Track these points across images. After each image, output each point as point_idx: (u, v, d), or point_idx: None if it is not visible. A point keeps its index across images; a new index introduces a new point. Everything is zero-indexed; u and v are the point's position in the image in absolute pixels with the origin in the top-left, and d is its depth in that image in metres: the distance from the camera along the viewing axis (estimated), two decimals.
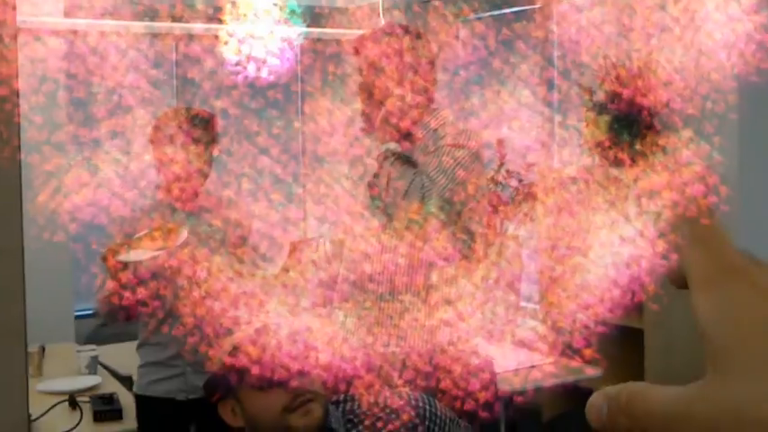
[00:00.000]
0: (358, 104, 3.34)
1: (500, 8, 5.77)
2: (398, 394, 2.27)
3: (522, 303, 4.99)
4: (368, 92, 3.26)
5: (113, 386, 3.93)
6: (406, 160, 3.16)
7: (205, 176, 3.54)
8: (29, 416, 2.86)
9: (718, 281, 0.49)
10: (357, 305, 3.25)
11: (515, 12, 5.70)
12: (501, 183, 5.00)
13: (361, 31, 4.01)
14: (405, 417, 2.19)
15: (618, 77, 4.40)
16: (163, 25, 5.81)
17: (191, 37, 6.04)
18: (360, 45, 3.30)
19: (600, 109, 4.49)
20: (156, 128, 3.48)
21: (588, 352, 4.12)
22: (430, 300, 3.15)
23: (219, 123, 3.67)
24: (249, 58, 3.55)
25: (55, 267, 5.21)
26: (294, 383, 2.07)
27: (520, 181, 4.98)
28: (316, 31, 6.26)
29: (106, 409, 3.52)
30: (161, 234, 3.26)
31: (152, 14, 5.84)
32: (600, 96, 4.52)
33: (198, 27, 5.84)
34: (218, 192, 3.73)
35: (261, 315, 2.29)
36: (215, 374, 2.21)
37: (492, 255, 4.72)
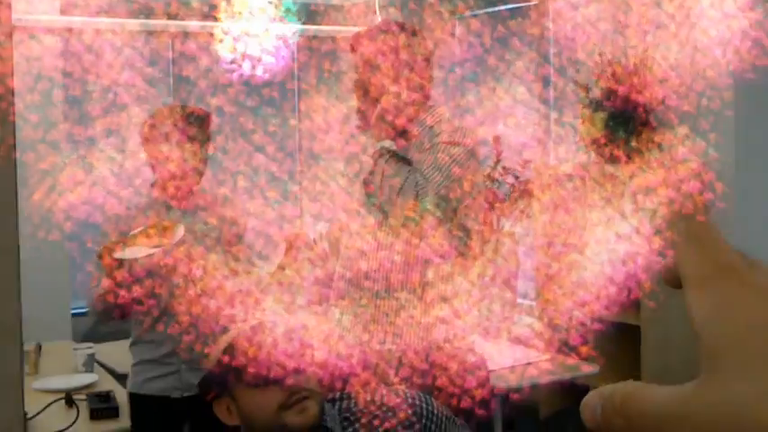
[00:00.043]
0: (354, 102, 3.34)
1: (495, 5, 5.77)
2: (395, 392, 2.27)
3: (519, 300, 4.99)
4: (363, 89, 3.26)
5: (110, 384, 3.92)
6: (401, 158, 3.16)
7: (200, 174, 3.54)
8: (24, 414, 2.86)
9: (712, 280, 0.49)
10: (353, 303, 3.25)
11: (510, 9, 5.70)
12: (497, 180, 5.00)
13: (356, 29, 4.00)
14: (401, 415, 2.19)
15: (614, 74, 4.40)
16: (158, 23, 5.81)
17: (186, 35, 6.04)
18: (356, 42, 3.30)
19: (596, 106, 4.49)
20: (152, 126, 3.47)
21: (584, 349, 4.12)
22: (426, 297, 3.15)
23: (215, 121, 3.66)
24: (244, 55, 3.55)
25: (52, 265, 5.21)
26: (290, 381, 2.07)
27: (516, 178, 4.98)
28: (311, 28, 6.26)
29: (103, 407, 3.52)
30: (156, 232, 3.25)
31: (147, 12, 5.84)
32: (596, 93, 4.52)
33: (193, 24, 5.84)
34: (213, 190, 3.72)
35: (257, 313, 2.29)
36: (210, 372, 2.21)
37: (488, 252, 4.72)
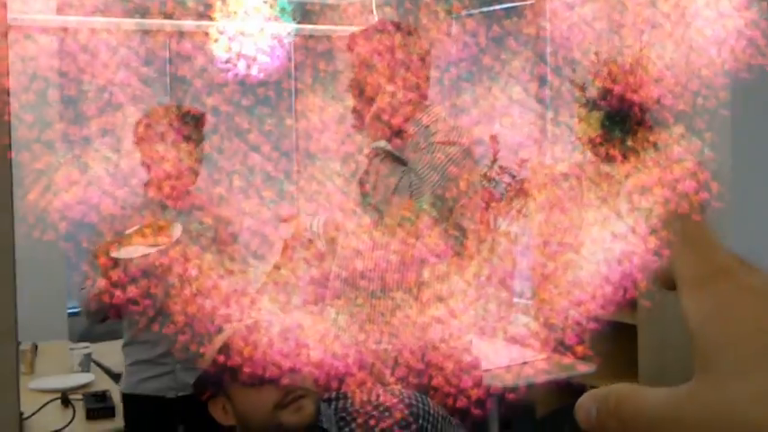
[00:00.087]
0: (350, 101, 3.34)
1: (491, 4, 5.77)
2: (391, 392, 2.27)
3: (515, 299, 4.99)
4: (359, 88, 3.26)
5: (106, 384, 3.92)
6: (396, 158, 3.15)
7: (196, 174, 3.54)
8: (20, 414, 2.85)
9: (706, 282, 0.49)
10: (349, 302, 3.25)
11: (506, 8, 5.70)
12: (494, 179, 5.00)
13: (352, 28, 4.00)
14: (398, 415, 2.19)
15: (609, 74, 4.41)
16: (154, 22, 5.80)
17: (182, 34, 6.03)
18: (352, 42, 3.30)
19: (592, 105, 4.50)
20: (148, 125, 3.47)
21: (580, 349, 4.12)
22: (422, 297, 3.15)
23: (210, 120, 3.66)
24: (239, 55, 3.54)
25: (48, 265, 5.21)
26: (285, 381, 2.07)
27: (512, 177, 4.98)
28: (307, 27, 6.26)
29: (99, 406, 3.51)
30: (152, 231, 3.25)
31: (143, 12, 5.83)
32: (592, 93, 4.53)
33: (189, 24, 5.83)
34: (209, 189, 3.72)
35: (252, 312, 2.28)
36: (205, 372, 2.20)
37: (484, 251, 4.72)
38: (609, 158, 4.38)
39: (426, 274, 3.14)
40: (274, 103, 6.41)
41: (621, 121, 4.41)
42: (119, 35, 5.67)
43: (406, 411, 2.21)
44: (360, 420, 2.19)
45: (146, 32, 5.91)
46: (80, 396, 3.61)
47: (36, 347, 4.29)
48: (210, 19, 3.69)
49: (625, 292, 0.58)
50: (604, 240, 0.58)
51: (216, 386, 2.17)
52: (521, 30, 5.54)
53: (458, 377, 3.08)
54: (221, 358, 2.11)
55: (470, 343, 3.28)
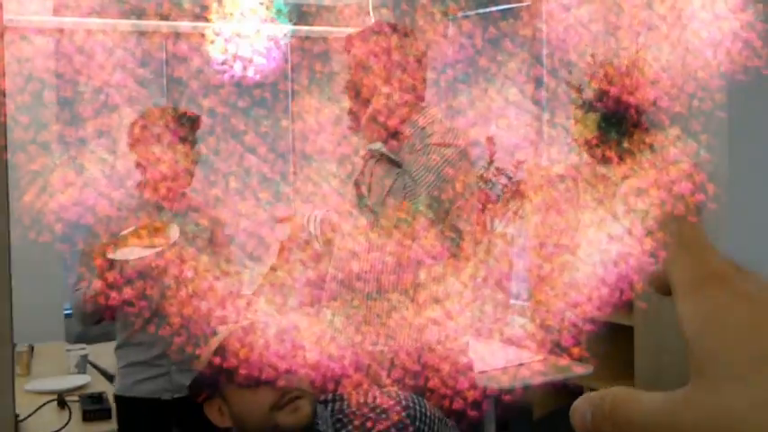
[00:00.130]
0: (346, 103, 3.33)
1: (486, 6, 5.78)
2: (388, 394, 2.27)
3: (512, 301, 4.99)
4: (355, 90, 3.26)
5: (103, 385, 3.91)
6: (390, 160, 3.15)
7: (191, 176, 3.53)
8: (16, 416, 2.85)
9: (702, 287, 0.49)
10: (345, 304, 3.25)
11: (502, 10, 5.70)
12: (490, 180, 5.00)
13: (348, 30, 4.00)
14: (395, 417, 2.18)
15: (606, 75, 4.41)
16: (150, 23, 5.80)
17: (178, 35, 6.03)
18: (349, 43, 3.30)
19: (588, 107, 4.50)
20: (143, 127, 3.47)
21: (576, 350, 4.12)
22: (418, 298, 3.15)
23: (206, 122, 3.66)
24: (235, 57, 3.54)
25: (44, 266, 5.20)
26: (281, 382, 2.07)
27: (509, 179, 4.98)
28: (303, 29, 6.26)
29: (95, 408, 3.51)
30: (147, 232, 3.25)
31: (139, 13, 5.83)
32: (588, 94, 4.53)
33: (185, 25, 5.83)
34: (205, 191, 3.72)
35: (248, 314, 2.28)
36: (201, 374, 2.20)
37: (480, 253, 4.72)
38: (605, 160, 4.38)
39: (422, 275, 3.14)
40: (270, 105, 6.41)
41: (618, 122, 4.41)
42: (115, 36, 5.66)
43: (403, 413, 2.21)
44: (356, 422, 2.19)
45: (142, 34, 5.91)
46: (76, 398, 3.61)
47: (32, 349, 4.29)
48: (207, 20, 3.69)
49: (621, 293, 0.58)
50: (600, 242, 0.58)
51: (212, 388, 2.16)
52: (517, 31, 5.54)
53: (454, 379, 3.08)
54: (217, 360, 2.11)
55: (467, 345, 3.28)
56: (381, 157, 3.15)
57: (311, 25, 6.40)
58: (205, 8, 3.72)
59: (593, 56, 4.52)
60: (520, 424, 4.88)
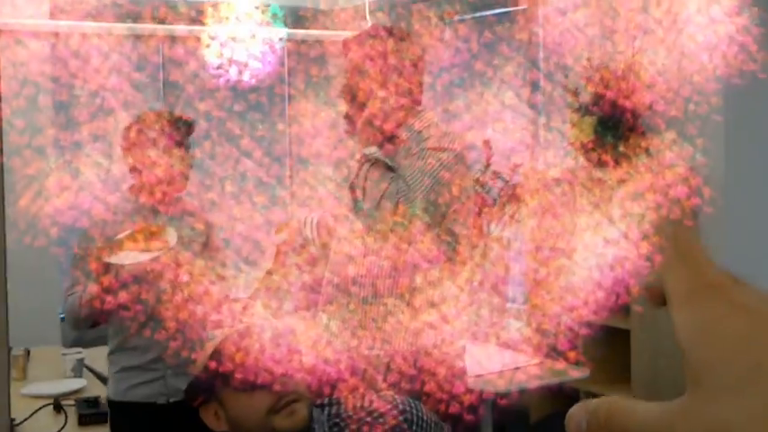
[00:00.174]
0: (342, 107, 3.33)
1: (483, 10, 5.78)
2: (384, 398, 2.26)
3: (508, 305, 4.99)
4: (351, 94, 3.25)
5: (99, 389, 3.90)
6: (384, 165, 3.15)
7: (187, 180, 3.53)
8: (11, 420, 2.85)
9: (697, 298, 0.49)
10: (341, 308, 3.24)
11: (498, 14, 5.71)
12: (486, 184, 5.00)
13: (344, 33, 4.01)
14: (391, 421, 2.18)
15: (602, 79, 4.42)
16: (146, 27, 5.79)
17: (174, 39, 6.03)
18: (345, 47, 3.30)
19: (584, 111, 4.51)
20: (139, 130, 3.46)
21: (573, 354, 4.12)
22: (414, 302, 3.14)
23: (202, 126, 3.66)
24: (231, 61, 3.54)
25: (40, 271, 5.20)
26: (278, 387, 2.06)
27: (505, 182, 4.99)
28: (299, 33, 6.25)
29: (91, 412, 3.50)
30: (143, 236, 3.24)
31: (135, 16, 5.83)
32: (584, 98, 4.53)
33: (181, 29, 5.82)
34: (200, 195, 3.71)
35: (244, 318, 2.28)
36: (197, 378, 2.19)
37: (476, 257, 4.72)
38: (601, 164, 4.39)
39: (419, 279, 3.13)
40: (266, 109, 6.41)
41: (614, 126, 4.42)
42: (111, 40, 5.66)
43: (400, 417, 2.20)
44: (353, 426, 2.19)
45: (138, 38, 5.91)
46: (72, 402, 3.60)
47: (28, 353, 4.28)
48: (202, 24, 3.69)
49: (617, 297, 0.58)
50: (597, 246, 0.58)
51: (208, 392, 2.16)
52: (513, 35, 5.55)
53: (450, 383, 3.08)
54: (213, 364, 2.10)
55: (463, 349, 3.28)
56: (377, 162, 3.15)
57: (307, 29, 6.40)
58: (201, 12, 3.72)
59: (589, 60, 4.52)
60: (516, 428, 4.87)
